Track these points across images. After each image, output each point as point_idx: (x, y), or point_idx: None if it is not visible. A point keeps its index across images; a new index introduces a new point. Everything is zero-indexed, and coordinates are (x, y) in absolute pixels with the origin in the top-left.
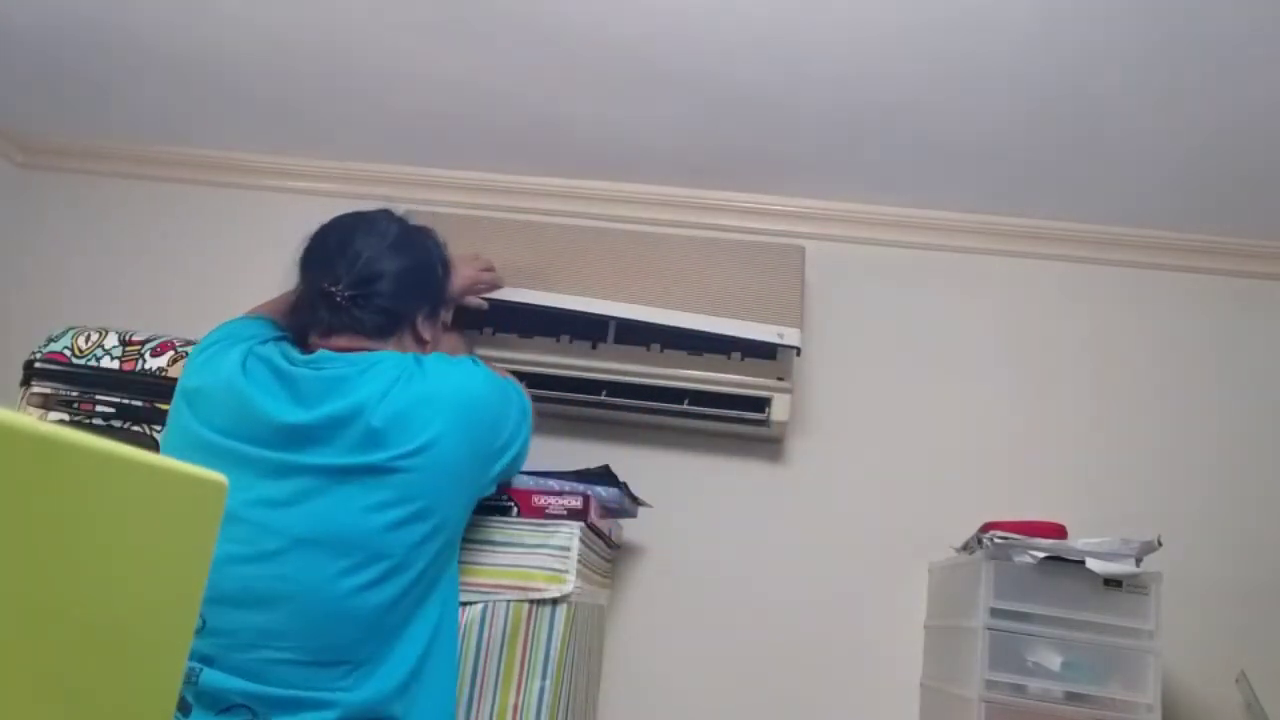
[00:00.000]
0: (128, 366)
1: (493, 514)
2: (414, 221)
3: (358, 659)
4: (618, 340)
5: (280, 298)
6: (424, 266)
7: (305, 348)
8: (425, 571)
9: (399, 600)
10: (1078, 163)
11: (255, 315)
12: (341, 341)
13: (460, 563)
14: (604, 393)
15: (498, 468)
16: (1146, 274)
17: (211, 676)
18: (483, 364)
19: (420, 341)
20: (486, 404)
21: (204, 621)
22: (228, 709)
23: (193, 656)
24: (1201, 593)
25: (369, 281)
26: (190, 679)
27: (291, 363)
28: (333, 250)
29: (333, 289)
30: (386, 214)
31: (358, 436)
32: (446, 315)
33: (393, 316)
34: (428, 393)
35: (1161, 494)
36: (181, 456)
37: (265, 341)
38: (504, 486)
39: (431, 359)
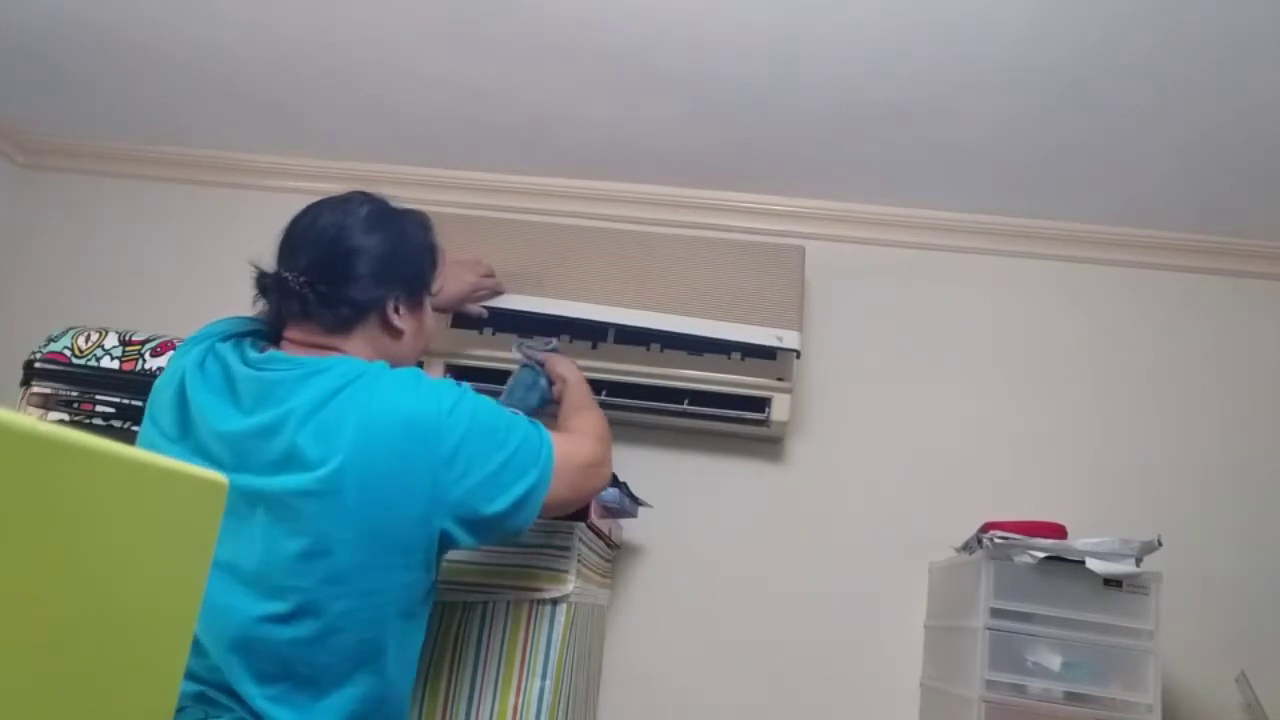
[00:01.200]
0: (128, 366)
1: None
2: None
3: (291, 683)
4: (618, 340)
5: None
6: (398, 247)
7: (274, 345)
8: (349, 624)
9: (315, 644)
10: (1078, 163)
11: (243, 315)
12: (298, 334)
13: (460, 562)
14: (604, 393)
15: (482, 513)
16: (1146, 274)
17: None
18: (457, 385)
19: (393, 332)
20: (425, 433)
21: None
22: (179, 710)
23: None
24: (1201, 593)
25: (330, 264)
26: None
27: (246, 363)
28: (297, 234)
29: (287, 274)
30: (360, 195)
31: (277, 453)
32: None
33: (354, 305)
34: (350, 412)
35: (1161, 494)
36: None
37: (228, 338)
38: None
39: (388, 373)
